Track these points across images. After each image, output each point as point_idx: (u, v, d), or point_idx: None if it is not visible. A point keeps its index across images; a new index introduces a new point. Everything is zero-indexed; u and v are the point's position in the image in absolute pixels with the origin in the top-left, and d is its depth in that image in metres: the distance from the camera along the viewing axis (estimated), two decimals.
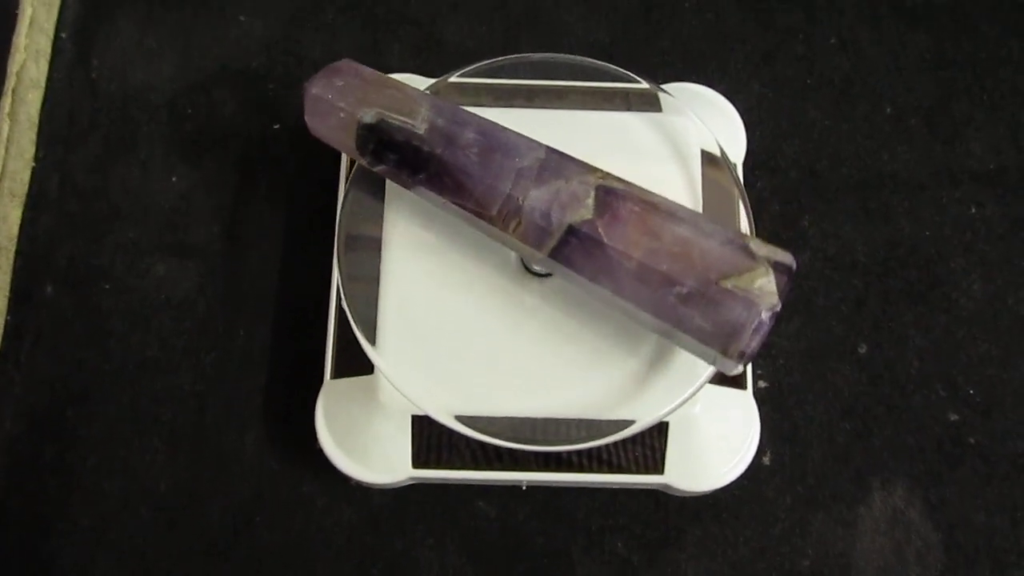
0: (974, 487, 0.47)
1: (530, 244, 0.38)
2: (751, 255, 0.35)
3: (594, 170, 0.38)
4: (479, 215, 0.39)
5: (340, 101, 0.40)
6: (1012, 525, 0.46)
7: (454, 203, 0.39)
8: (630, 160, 0.43)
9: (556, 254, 0.37)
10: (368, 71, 0.40)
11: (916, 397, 0.48)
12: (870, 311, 0.49)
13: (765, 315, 0.35)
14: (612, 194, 0.37)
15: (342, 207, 0.43)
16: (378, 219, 0.43)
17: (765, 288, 0.35)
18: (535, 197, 0.38)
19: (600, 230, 0.37)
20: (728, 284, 0.35)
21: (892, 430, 0.47)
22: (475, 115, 0.39)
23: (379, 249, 0.42)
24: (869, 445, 0.47)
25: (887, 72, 0.52)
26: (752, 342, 0.35)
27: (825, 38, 0.53)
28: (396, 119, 0.39)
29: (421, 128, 0.39)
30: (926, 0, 0.54)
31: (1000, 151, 0.51)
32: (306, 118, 0.40)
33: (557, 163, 0.38)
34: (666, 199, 0.37)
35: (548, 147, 0.38)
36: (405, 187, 0.40)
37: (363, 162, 0.40)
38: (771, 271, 0.35)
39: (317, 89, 0.40)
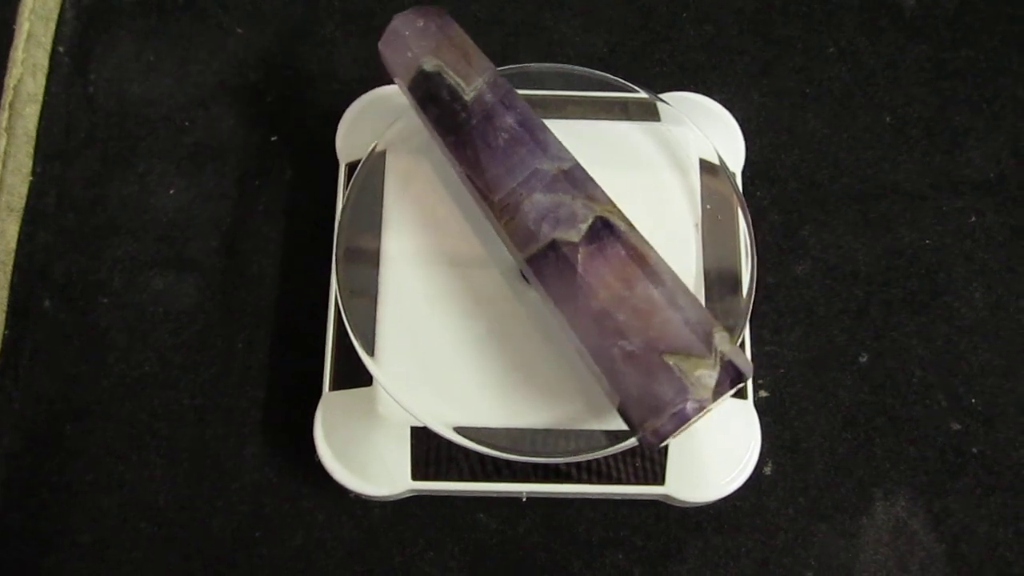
0: (977, 497, 0.46)
1: (515, 243, 0.38)
2: (708, 344, 0.35)
3: (606, 202, 0.38)
4: (484, 196, 0.39)
5: (413, 41, 0.41)
6: (1016, 535, 0.46)
7: (467, 175, 0.39)
8: (629, 170, 0.43)
9: (533, 262, 0.38)
10: (453, 27, 0.41)
11: (918, 407, 0.47)
12: (871, 321, 0.49)
13: (690, 406, 0.34)
14: (609, 229, 0.37)
15: (341, 219, 0.43)
16: (376, 231, 0.42)
17: (703, 380, 0.34)
18: (537, 201, 0.38)
19: (579, 257, 0.37)
20: (671, 360, 0.34)
21: (894, 440, 0.47)
22: (527, 107, 0.40)
23: (377, 261, 0.42)
24: (871, 455, 0.47)
25: (886, 82, 0.52)
26: (668, 425, 0.34)
27: (824, 48, 0.53)
28: (451, 78, 0.40)
29: (469, 95, 0.39)
30: (925, 10, 0.54)
31: (1000, 160, 0.51)
32: (379, 45, 0.41)
33: (574, 180, 0.38)
34: (661, 259, 0.37)
35: (578, 165, 0.38)
36: (435, 140, 0.41)
37: (411, 103, 0.41)
38: (718, 368, 0.34)
39: (398, 23, 0.41)
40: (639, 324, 0.35)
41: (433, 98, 0.40)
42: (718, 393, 0.34)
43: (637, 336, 0.35)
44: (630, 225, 0.37)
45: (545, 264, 0.37)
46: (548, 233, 0.37)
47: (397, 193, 0.43)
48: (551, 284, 0.37)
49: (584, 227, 0.37)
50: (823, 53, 0.53)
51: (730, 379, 0.34)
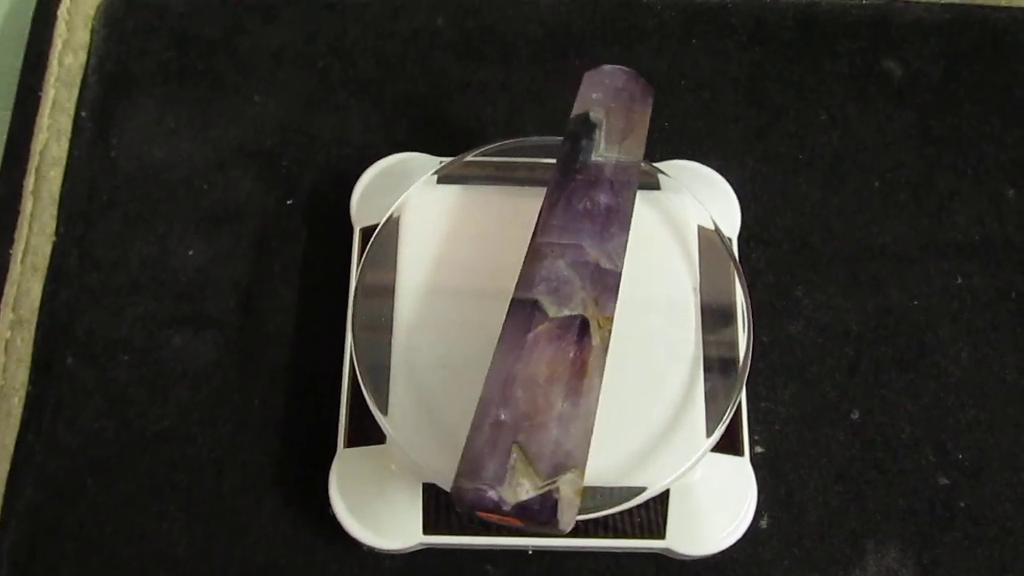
0: (965, 549, 0.48)
1: (518, 280, 0.40)
2: (550, 472, 0.36)
3: (607, 316, 0.39)
4: (533, 232, 0.41)
5: (604, 91, 0.44)
6: None
7: (543, 206, 0.42)
8: (632, 236, 0.45)
9: (512, 304, 0.40)
10: (642, 107, 0.45)
11: (907, 461, 0.49)
12: (862, 378, 0.50)
13: (491, 494, 0.35)
14: (581, 333, 0.39)
15: (356, 283, 0.45)
16: (391, 294, 0.44)
17: (517, 490, 0.35)
18: (558, 266, 0.40)
19: (539, 328, 0.39)
20: (515, 452, 0.36)
21: (885, 493, 0.49)
22: (629, 206, 0.42)
23: (391, 323, 0.44)
24: (863, 508, 0.48)
25: (875, 148, 0.55)
26: (469, 494, 0.35)
27: (815, 115, 0.55)
28: (599, 137, 0.43)
29: (596, 157, 0.43)
30: (912, 79, 0.56)
31: (984, 223, 0.53)
32: (586, 73, 0.45)
33: (600, 280, 0.40)
34: (596, 389, 0.38)
35: (617, 274, 0.40)
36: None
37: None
38: (537, 495, 0.35)
39: (608, 70, 0.45)
40: (525, 410, 0.37)
41: (575, 138, 0.43)
42: (520, 511, 0.35)
43: (514, 416, 0.37)
44: (603, 348, 0.39)
45: (517, 310, 0.40)
46: (538, 293, 0.40)
47: (411, 258, 0.45)
48: (506, 328, 0.39)
49: (566, 313, 0.39)
50: (815, 120, 0.55)
51: (539, 511, 0.35)
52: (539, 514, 0.35)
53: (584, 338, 0.39)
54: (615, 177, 0.42)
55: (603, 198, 0.42)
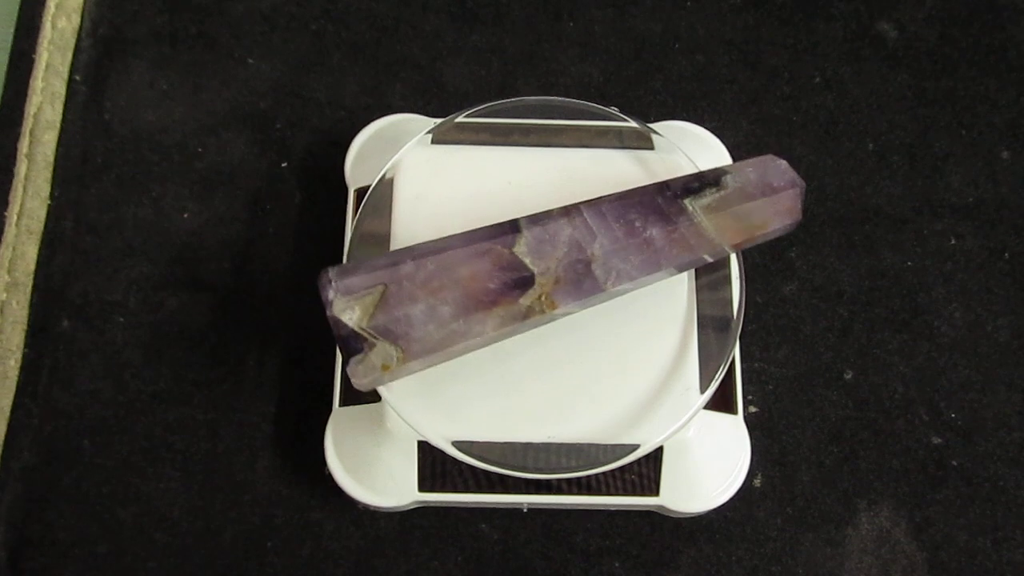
0: (957, 508, 0.48)
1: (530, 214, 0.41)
2: (376, 329, 0.39)
3: (552, 301, 0.40)
4: (580, 200, 0.42)
5: (761, 176, 0.43)
6: (993, 544, 0.48)
7: (617, 193, 0.42)
8: None
9: (507, 222, 0.41)
10: (767, 219, 0.43)
11: (900, 421, 0.49)
12: (855, 339, 0.51)
13: (330, 294, 0.39)
14: (518, 285, 0.40)
15: (350, 242, 0.45)
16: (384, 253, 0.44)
17: (347, 310, 0.39)
18: (563, 229, 0.41)
19: (491, 242, 0.40)
20: (378, 292, 0.39)
21: (878, 453, 0.49)
22: (674, 258, 0.42)
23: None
24: (856, 468, 0.49)
25: (870, 110, 0.55)
26: (321, 279, 0.39)
27: (810, 78, 0.55)
28: (709, 195, 0.42)
29: (687, 202, 0.42)
30: (907, 42, 0.56)
31: (978, 185, 0.53)
32: (767, 155, 0.44)
33: (575, 274, 0.40)
34: (488, 327, 0.39)
35: (600, 288, 0.40)
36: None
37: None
38: (354, 326, 0.39)
39: (784, 168, 0.43)
40: (420, 279, 0.39)
41: (696, 178, 0.43)
42: (333, 323, 0.39)
43: (411, 275, 0.39)
44: (521, 313, 0.40)
45: (505, 224, 0.41)
46: (529, 230, 0.41)
47: (405, 217, 0.45)
48: (483, 228, 0.41)
49: (526, 262, 0.40)
50: (809, 82, 0.55)
51: (342, 337, 0.39)
52: (341, 340, 0.39)
53: (515, 290, 0.39)
54: (685, 231, 0.42)
55: (655, 231, 0.41)
